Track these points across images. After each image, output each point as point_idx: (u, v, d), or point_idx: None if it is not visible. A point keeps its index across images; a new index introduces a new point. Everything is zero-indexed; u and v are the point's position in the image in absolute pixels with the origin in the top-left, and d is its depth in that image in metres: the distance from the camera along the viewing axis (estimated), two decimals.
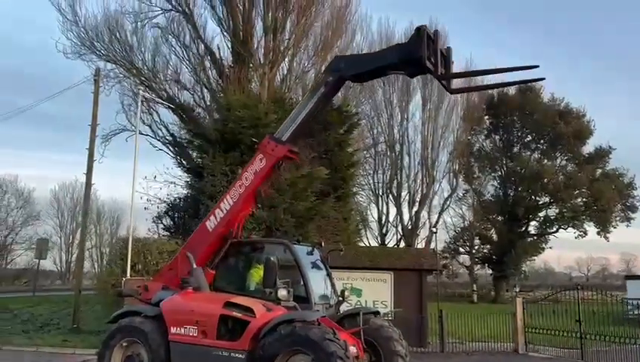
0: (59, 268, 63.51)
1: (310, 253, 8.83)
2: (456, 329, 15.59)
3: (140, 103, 15.91)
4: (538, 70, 8.07)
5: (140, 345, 7.74)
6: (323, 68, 27.70)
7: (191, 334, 7.42)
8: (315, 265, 8.85)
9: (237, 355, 7.08)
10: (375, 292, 15.14)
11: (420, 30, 7.88)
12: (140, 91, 16.08)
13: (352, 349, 7.62)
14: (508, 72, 8.64)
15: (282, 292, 7.66)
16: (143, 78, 22.91)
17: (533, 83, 44.43)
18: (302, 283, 8.22)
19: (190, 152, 21.45)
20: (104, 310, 14.96)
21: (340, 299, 8.90)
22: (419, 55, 7.78)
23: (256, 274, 8.38)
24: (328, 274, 9.01)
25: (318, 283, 8.61)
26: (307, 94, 9.46)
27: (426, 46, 7.77)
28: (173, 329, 7.55)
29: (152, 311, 7.94)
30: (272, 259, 7.75)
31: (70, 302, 21.50)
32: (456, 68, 8.40)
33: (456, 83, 9.59)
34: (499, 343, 15.11)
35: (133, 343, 7.83)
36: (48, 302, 24.85)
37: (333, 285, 8.97)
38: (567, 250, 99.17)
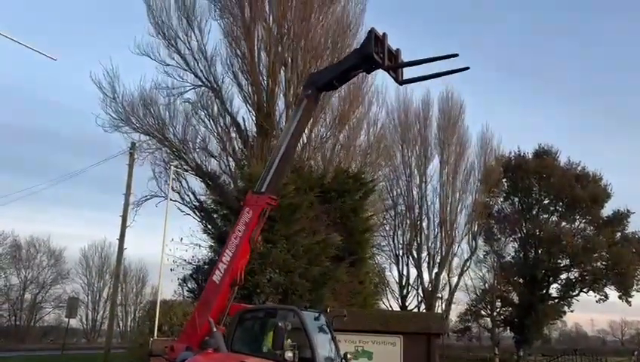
0: (84, 326, 64.71)
1: (317, 319, 9.90)
2: None
3: (171, 175, 17.50)
4: (460, 60, 10.24)
5: None
6: (341, 137, 29.64)
7: None
8: (321, 329, 9.93)
9: None
10: (385, 355, 15.88)
11: (370, 32, 10.14)
12: (172, 167, 17.75)
13: None
14: (436, 61, 10.46)
15: (289, 354, 8.81)
16: (174, 149, 24.82)
17: (549, 147, 46.38)
18: (309, 345, 9.34)
19: (215, 218, 22.90)
20: None
21: (344, 360, 9.95)
22: (369, 51, 9.96)
23: (269, 337, 9.53)
24: (333, 338, 10.07)
25: (323, 345, 9.66)
26: (288, 122, 11.40)
27: (373, 44, 9.93)
28: None
29: None
30: (280, 324, 8.95)
31: (96, 361, 22.65)
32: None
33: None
34: None
35: None
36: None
37: (337, 347, 10.02)
38: (600, 313, 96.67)
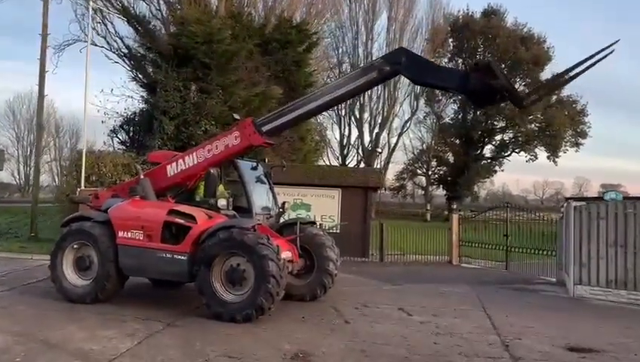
0: (17, 180, 63.06)
1: (254, 168, 9.29)
2: (398, 242, 16.70)
3: (90, 13, 15.46)
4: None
5: (90, 247, 8.27)
6: None
7: (137, 238, 7.98)
8: (258, 179, 9.36)
9: (180, 257, 7.73)
10: (324, 207, 16.03)
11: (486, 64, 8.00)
12: (92, 2, 15.46)
13: (287, 254, 8.39)
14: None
15: (222, 202, 8.29)
16: None
17: (497, 6, 45.35)
18: (244, 195, 8.84)
19: (146, 67, 21.21)
20: (62, 219, 15.43)
21: (281, 210, 9.60)
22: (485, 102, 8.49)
23: (200, 186, 8.93)
24: (270, 188, 9.59)
25: (260, 195, 9.20)
26: (347, 76, 9.10)
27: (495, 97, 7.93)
28: (120, 234, 8.10)
29: (101, 217, 8.44)
30: (212, 172, 8.32)
31: (29, 213, 21.82)
32: None
33: None
34: (436, 256, 16.33)
35: (83, 245, 8.37)
36: (7, 213, 25.02)
37: (274, 197, 9.58)
38: (526, 175, 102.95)
